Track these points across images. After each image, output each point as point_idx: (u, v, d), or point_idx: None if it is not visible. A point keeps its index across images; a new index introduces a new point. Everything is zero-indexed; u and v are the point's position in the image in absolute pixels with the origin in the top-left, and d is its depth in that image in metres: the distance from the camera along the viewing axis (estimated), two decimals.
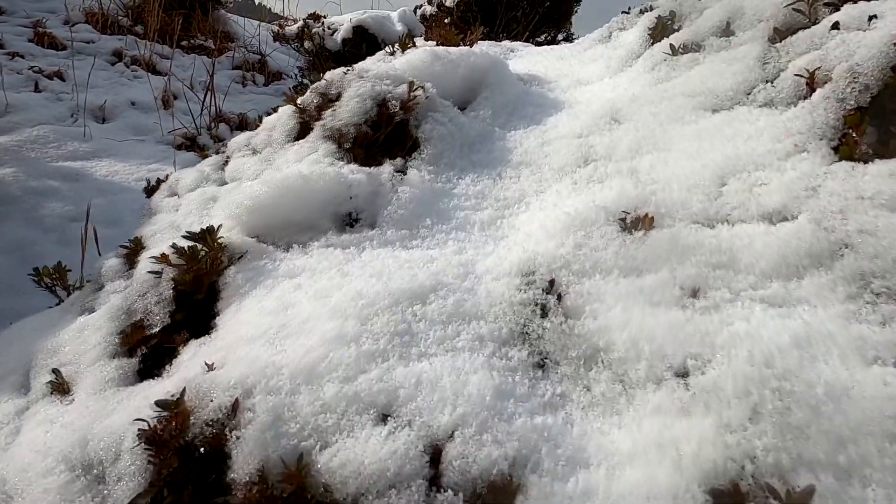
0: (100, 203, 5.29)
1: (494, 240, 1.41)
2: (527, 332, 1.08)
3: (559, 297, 1.11)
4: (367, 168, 1.54)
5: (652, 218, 1.23)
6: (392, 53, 2.13)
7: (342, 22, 7.09)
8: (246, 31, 8.91)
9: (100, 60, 7.25)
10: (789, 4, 1.64)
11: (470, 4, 10.17)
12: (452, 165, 1.68)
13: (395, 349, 1.03)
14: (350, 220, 1.48)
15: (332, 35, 7.06)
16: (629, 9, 2.37)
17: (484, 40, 3.12)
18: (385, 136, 1.67)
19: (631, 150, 1.49)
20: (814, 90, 1.32)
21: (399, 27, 7.38)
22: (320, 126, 1.66)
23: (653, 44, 2.01)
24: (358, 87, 1.65)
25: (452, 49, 1.91)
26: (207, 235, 1.32)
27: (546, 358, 1.05)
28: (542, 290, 1.14)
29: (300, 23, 7.19)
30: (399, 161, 1.61)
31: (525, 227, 1.40)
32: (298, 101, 1.84)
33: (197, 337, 1.24)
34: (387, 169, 1.54)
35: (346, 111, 1.62)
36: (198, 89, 7.30)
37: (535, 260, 1.22)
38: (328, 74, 1.81)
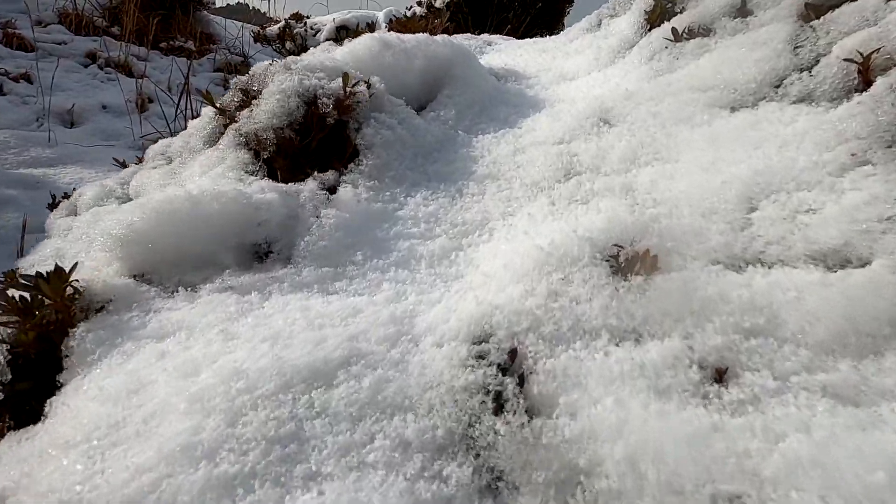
0: None
1: (445, 280, 1.04)
2: (473, 437, 0.71)
3: (521, 380, 0.75)
4: (286, 185, 1.17)
5: (655, 256, 0.87)
6: (339, 41, 1.76)
7: (325, 22, 6.72)
8: (228, 33, 8.52)
9: (71, 62, 6.86)
10: None
11: (460, 5, 9.81)
12: (401, 179, 1.31)
13: (269, 470, 0.66)
14: (260, 252, 1.12)
15: (314, 35, 6.69)
16: None
17: (460, 33, 2.76)
18: (317, 142, 1.31)
19: (625, 159, 1.13)
20: (870, 80, 0.96)
21: (384, 28, 7.01)
22: (234, 131, 1.30)
23: (650, 29, 1.65)
24: (281, 81, 1.29)
25: (407, 36, 1.54)
26: (52, 280, 0.95)
27: (499, 479, 0.68)
28: (499, 366, 0.78)
29: (281, 23, 6.82)
30: (331, 175, 1.24)
31: (485, 265, 1.03)
32: (219, 102, 1.47)
33: (23, 425, 0.88)
34: (309, 186, 1.17)
35: (264, 112, 1.25)
36: (175, 92, 6.91)
37: (493, 317, 0.85)
38: (255, 67, 1.44)
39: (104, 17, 7.72)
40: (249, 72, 1.44)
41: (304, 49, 6.81)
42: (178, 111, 6.64)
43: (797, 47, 1.14)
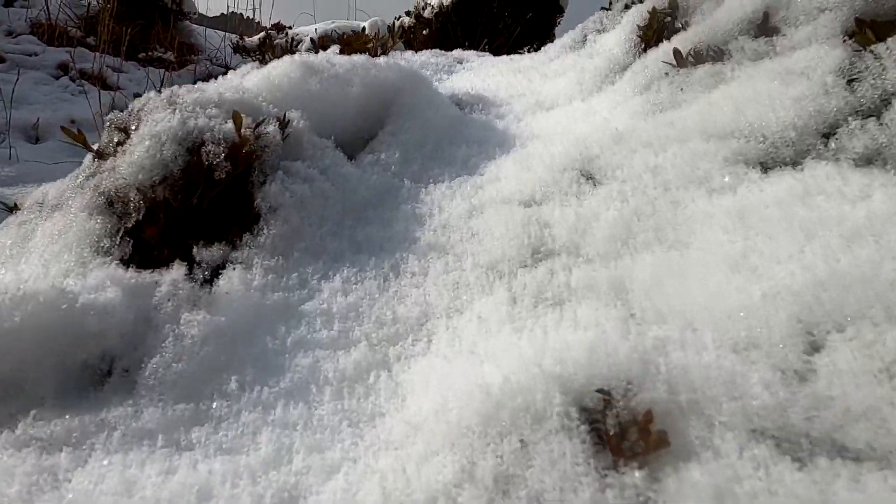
0: None
1: (356, 424, 0.70)
2: None
3: None
4: (142, 273, 0.82)
5: (663, 434, 0.53)
6: (263, 60, 1.42)
7: (307, 33, 6.38)
8: (210, 44, 8.16)
9: (42, 74, 6.48)
10: None
11: (449, 16, 9.51)
12: (317, 252, 0.96)
13: None
14: (96, 374, 0.77)
15: (296, 46, 6.34)
16: (610, 3, 1.67)
17: (432, 48, 2.42)
18: (208, 202, 0.96)
19: (615, 238, 0.79)
20: None
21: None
22: (92, 188, 0.95)
23: (645, 49, 1.31)
24: (155, 122, 0.94)
25: (341, 59, 1.20)
26: None
27: None
28: None
29: (261, 34, 6.47)
30: (217, 252, 0.89)
31: (414, 400, 0.69)
32: (96, 145, 1.12)
33: None
34: (173, 275, 0.82)
35: (129, 164, 0.90)
36: None
37: None
38: (137, 101, 1.10)
39: (80, 28, 7.35)
40: (130, 105, 1.10)
41: None
42: None
43: (852, 80, 0.80)
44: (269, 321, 0.82)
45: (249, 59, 6.84)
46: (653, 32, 1.28)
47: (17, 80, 5.86)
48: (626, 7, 1.58)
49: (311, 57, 1.16)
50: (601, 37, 1.55)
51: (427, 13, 9.78)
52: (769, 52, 0.98)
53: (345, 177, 1.07)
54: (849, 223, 0.63)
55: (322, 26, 6.49)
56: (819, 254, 0.61)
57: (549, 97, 1.43)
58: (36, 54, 6.87)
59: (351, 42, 1.41)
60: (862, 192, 0.66)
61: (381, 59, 1.24)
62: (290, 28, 6.70)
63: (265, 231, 0.92)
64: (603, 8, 1.67)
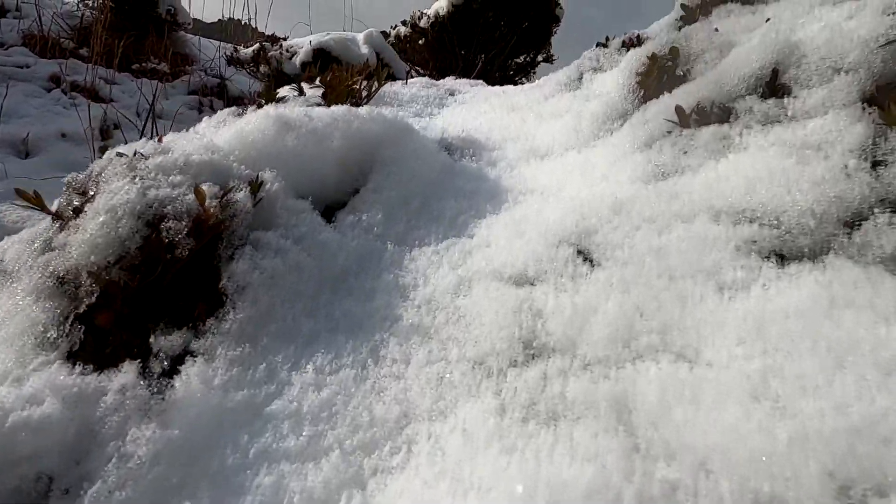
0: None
1: None
2: None
3: None
4: (88, 377, 0.73)
5: None
6: (260, 104, 1.33)
7: (302, 45, 6.28)
8: (205, 55, 8.08)
9: (34, 86, 6.37)
10: (892, 42, 0.86)
11: (445, 25, 9.45)
12: (290, 335, 0.87)
13: None
14: (31, 498, 0.68)
15: (290, 59, 6.25)
16: (607, 39, 1.59)
17: (424, 76, 2.35)
18: (171, 277, 0.87)
19: (615, 340, 0.70)
20: None
21: (365, 50, 6.60)
22: (42, 267, 0.86)
23: (645, 98, 1.23)
24: (112, 193, 0.85)
25: (319, 112, 1.11)
26: None
27: None
28: None
29: (256, 45, 6.38)
30: (178, 339, 0.80)
31: None
32: (55, 206, 1.03)
33: None
34: (121, 380, 0.72)
35: (80, 243, 0.81)
36: (144, 117, 6.46)
37: None
38: (97, 163, 1.00)
39: (73, 39, 7.26)
40: (90, 167, 1.00)
41: (280, 74, 6.38)
42: (143, 138, 6.16)
43: (877, 164, 0.72)
44: (230, 428, 0.73)
45: (244, 70, 6.74)
46: (653, 80, 1.20)
47: (7, 93, 5.75)
48: (624, 46, 1.50)
49: (288, 111, 1.07)
50: (598, 77, 1.46)
51: (423, 23, 9.71)
52: (780, 116, 0.90)
53: (322, 244, 0.98)
54: (884, 352, 0.54)
55: (317, 38, 6.40)
56: (852, 388, 0.53)
57: (543, 143, 1.34)
58: (27, 66, 6.77)
59: (334, 84, 1.32)
60: None
61: (364, 110, 1.15)
62: (284, 39, 6.61)
63: (231, 315, 0.83)
64: (599, 44, 1.59)
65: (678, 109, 1.00)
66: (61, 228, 0.98)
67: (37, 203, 1.02)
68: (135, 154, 0.97)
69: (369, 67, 1.93)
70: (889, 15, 0.91)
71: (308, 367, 0.82)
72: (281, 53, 6.34)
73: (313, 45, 6.36)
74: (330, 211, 1.12)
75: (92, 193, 0.94)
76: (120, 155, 0.98)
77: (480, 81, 2.13)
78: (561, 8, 9.85)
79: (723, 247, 0.74)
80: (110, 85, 6.74)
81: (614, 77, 1.35)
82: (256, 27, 13.08)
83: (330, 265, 0.98)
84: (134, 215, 0.84)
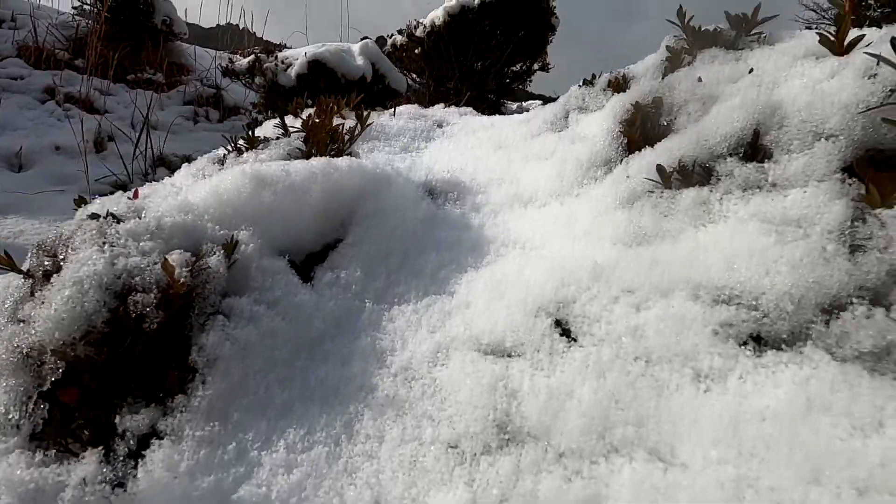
0: None
1: None
2: None
3: None
4: (51, 467, 0.70)
5: None
6: (241, 150, 1.30)
7: (297, 56, 6.26)
8: (201, 65, 8.05)
9: (28, 98, 6.33)
10: (875, 109, 0.85)
11: (441, 35, 9.45)
12: (261, 408, 0.85)
13: None
14: None
15: (285, 70, 6.22)
16: (593, 77, 1.57)
17: (408, 103, 2.33)
18: (140, 350, 0.84)
19: (589, 431, 0.67)
20: None
21: (360, 61, 6.59)
22: (6, 341, 0.83)
23: (628, 147, 1.21)
24: (79, 264, 0.82)
25: (297, 166, 1.08)
26: None
27: None
28: None
29: (251, 56, 6.36)
30: (146, 418, 0.78)
31: None
32: (26, 265, 1.00)
33: None
34: (81, 473, 0.70)
35: (45, 318, 0.78)
36: (139, 128, 6.43)
37: None
38: (67, 225, 0.97)
39: (68, 50, 7.23)
40: (60, 229, 0.98)
41: (276, 84, 6.36)
42: (137, 151, 6.14)
43: (855, 249, 0.70)
44: None
45: (239, 81, 6.72)
46: (636, 129, 1.18)
47: (0, 106, 5.71)
48: (609, 86, 1.48)
49: (265, 168, 1.05)
50: (583, 118, 1.45)
51: (419, 32, 9.71)
52: (761, 182, 0.88)
53: (298, 307, 0.96)
54: (860, 467, 0.52)
55: (312, 49, 6.39)
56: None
57: (528, 187, 1.32)
58: (22, 78, 6.74)
59: (316, 129, 1.30)
60: (873, 419, 0.55)
61: (345, 162, 1.13)
62: (279, 51, 6.58)
63: (200, 390, 0.81)
64: (585, 81, 1.57)
65: (660, 169, 0.98)
66: (31, 291, 0.95)
67: (8, 264, 1.00)
68: (107, 215, 0.95)
69: (355, 100, 1.91)
70: (869, 78, 0.89)
71: (279, 444, 0.80)
72: (276, 65, 6.32)
73: (308, 57, 6.35)
74: (309, 262, 1.10)
75: (61, 257, 0.92)
76: (93, 216, 0.95)
77: (469, 109, 2.11)
78: (556, 17, 9.86)
79: (700, 330, 0.72)
80: (105, 96, 6.71)
81: (599, 121, 1.33)
82: (255, 32, 13.07)
83: (306, 329, 0.95)
84: (101, 287, 0.82)
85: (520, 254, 1.09)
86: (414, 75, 10.60)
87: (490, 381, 0.79)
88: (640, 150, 1.11)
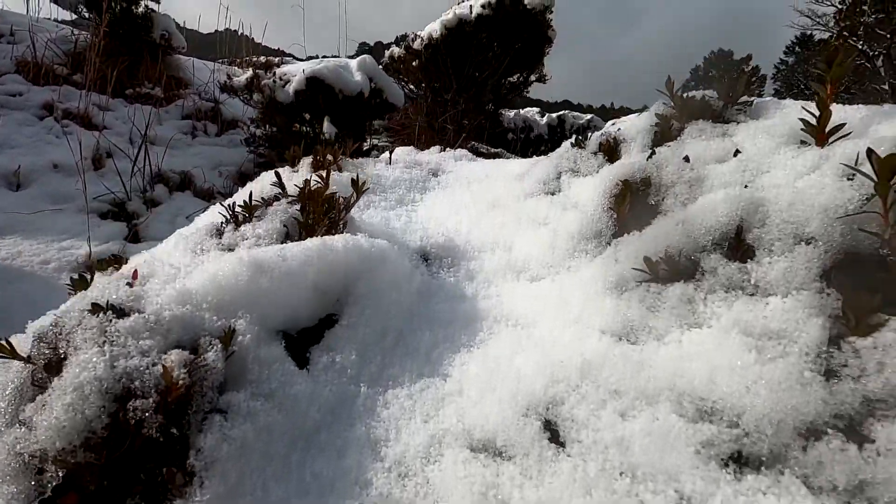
0: None
1: None
2: None
3: None
4: None
5: None
6: (235, 222, 1.32)
7: (295, 73, 6.28)
8: (198, 79, 8.06)
9: (26, 115, 6.33)
10: (853, 215, 0.87)
11: (438, 47, 9.48)
12: None
13: None
14: None
15: (283, 87, 6.24)
16: (585, 136, 1.60)
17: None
18: (136, 450, 0.86)
19: None
20: None
21: (358, 77, 6.62)
22: (8, 447, 0.85)
23: (618, 222, 1.23)
24: (81, 367, 0.84)
25: (293, 250, 1.10)
26: None
27: None
28: None
29: (249, 73, 6.37)
30: None
31: None
32: (29, 348, 1.01)
33: None
34: None
35: (47, 427, 0.80)
36: (138, 144, 6.43)
37: None
38: (68, 317, 0.99)
39: (66, 65, 7.22)
40: (56, 316, 0.99)
41: (274, 101, 6.37)
42: (136, 168, 6.13)
43: (831, 374, 0.72)
44: None
45: (237, 97, 6.73)
46: (625, 207, 1.21)
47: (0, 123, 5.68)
48: (601, 148, 1.51)
49: (261, 253, 1.06)
50: (574, 182, 1.47)
51: (417, 45, 9.74)
52: (744, 283, 0.90)
53: (294, 398, 0.97)
54: None
55: (310, 65, 6.41)
56: None
57: (520, 256, 1.34)
58: (21, 94, 6.74)
59: (313, 197, 1.32)
60: None
61: (340, 242, 1.15)
62: (277, 66, 6.60)
63: (198, 494, 0.83)
64: (577, 140, 1.59)
65: (647, 260, 1.00)
66: (32, 379, 0.96)
67: (9, 353, 1.01)
68: (108, 308, 0.97)
69: (351, 147, 1.93)
70: (848, 180, 0.92)
71: None
72: (274, 81, 6.34)
73: (307, 74, 6.37)
74: (305, 338, 1.12)
75: (62, 353, 0.93)
76: (95, 309, 0.97)
77: (464, 153, 2.14)
78: (553, 30, 9.90)
79: (683, 448, 0.74)
80: (104, 111, 6.70)
81: (590, 190, 1.36)
82: (253, 38, 13.05)
83: (302, 420, 0.97)
84: (102, 392, 0.83)
85: (512, 333, 1.11)
86: (412, 86, 10.62)
87: (481, 489, 0.81)
88: (628, 233, 1.14)
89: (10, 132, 5.77)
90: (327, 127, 6.21)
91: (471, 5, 8.95)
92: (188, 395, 0.88)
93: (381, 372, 1.08)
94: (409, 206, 1.72)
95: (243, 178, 6.65)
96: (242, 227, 1.25)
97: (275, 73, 6.41)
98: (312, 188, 1.38)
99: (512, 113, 16.74)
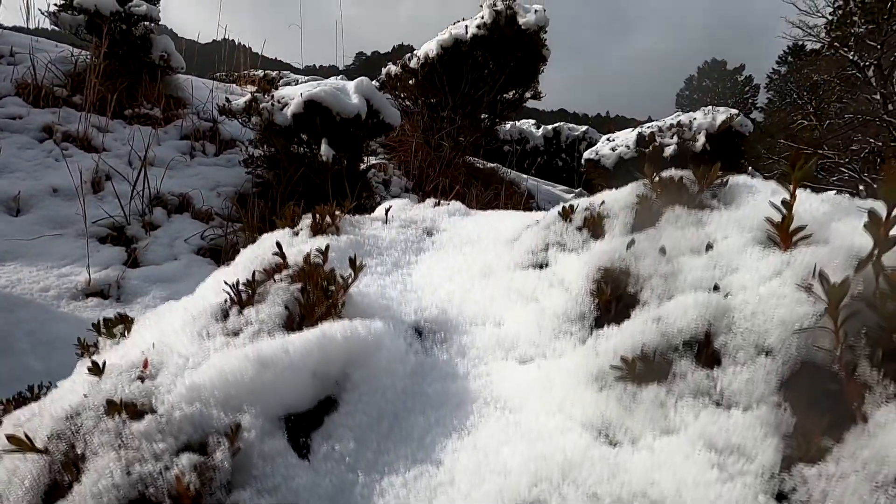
0: None
1: None
2: None
3: None
4: None
5: None
6: (240, 304, 1.40)
7: (293, 95, 6.38)
8: (197, 99, 8.13)
9: (26, 138, 6.38)
10: (808, 329, 0.96)
11: (434, 66, 9.60)
12: None
13: None
14: None
15: (281, 110, 6.33)
16: (572, 209, 1.68)
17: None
18: None
19: None
20: None
21: (355, 99, 6.72)
22: None
23: (599, 307, 1.32)
24: (100, 473, 0.91)
25: (295, 343, 1.18)
26: None
27: None
28: None
29: (247, 96, 6.46)
30: None
31: None
32: (45, 439, 1.08)
33: None
34: None
35: None
36: (137, 165, 6.48)
37: None
38: (86, 415, 1.06)
39: (66, 87, 7.29)
40: (71, 409, 1.06)
41: (272, 124, 6.44)
42: (135, 191, 6.19)
43: (782, 498, 0.80)
44: None
45: (236, 120, 6.80)
46: (606, 296, 1.29)
47: (0, 147, 5.72)
48: (585, 223, 1.59)
49: (265, 348, 1.14)
50: (561, 257, 1.56)
51: (413, 63, 9.85)
52: (710, 390, 0.99)
53: (296, 491, 1.05)
54: None
55: (308, 88, 6.50)
56: None
57: (510, 333, 1.42)
58: (21, 117, 6.79)
59: (312, 276, 1.39)
60: None
61: (339, 332, 1.22)
62: (276, 88, 6.69)
63: None
64: (564, 210, 1.68)
65: (624, 360, 1.08)
66: (49, 468, 1.03)
67: (29, 447, 1.08)
68: (122, 406, 1.04)
69: (349, 206, 2.01)
70: (803, 290, 1.00)
71: None
72: (272, 105, 6.43)
73: (304, 98, 6.46)
74: (306, 420, 1.19)
75: (80, 450, 1.00)
76: (110, 409, 1.04)
77: (458, 207, 2.22)
78: (547, 48, 10.05)
79: None
80: (103, 133, 6.75)
81: (574, 268, 1.44)
82: (250, 47, 13.11)
83: None
84: (118, 500, 0.91)
85: (500, 419, 1.18)
86: (408, 102, 10.71)
87: None
88: (608, 324, 1.22)
89: (11, 156, 5.81)
90: (325, 150, 6.29)
91: (466, 25, 9.10)
92: (198, 498, 0.96)
93: (377, 458, 1.15)
94: (405, 270, 1.80)
95: (241, 198, 6.72)
96: (246, 312, 1.33)
97: (272, 97, 6.50)
98: (312, 264, 1.46)
99: (508, 125, 16.88)
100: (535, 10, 8.76)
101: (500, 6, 8.63)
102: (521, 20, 8.47)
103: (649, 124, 11.18)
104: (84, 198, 5.38)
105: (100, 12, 6.95)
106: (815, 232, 1.17)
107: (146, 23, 7.43)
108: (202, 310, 1.38)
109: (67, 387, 1.42)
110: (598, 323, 1.29)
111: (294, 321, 1.36)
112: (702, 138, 10.59)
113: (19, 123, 6.27)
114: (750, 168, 15.63)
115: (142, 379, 1.13)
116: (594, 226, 1.55)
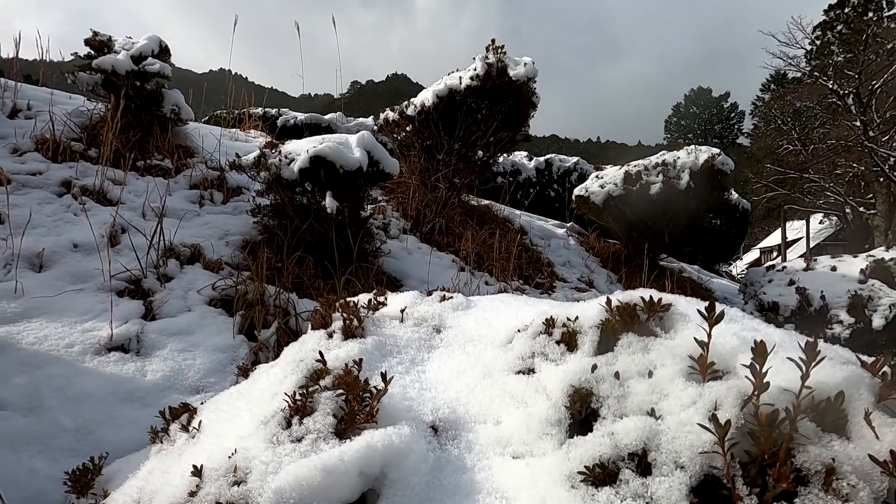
0: (20, 383, 4.77)
1: None
2: None
3: None
4: None
5: None
6: (301, 414, 1.84)
7: (299, 151, 6.90)
8: (205, 149, 8.64)
9: (46, 193, 6.81)
10: (709, 452, 1.43)
11: (430, 114, 10.24)
12: None
13: None
14: None
15: (288, 164, 6.85)
16: (552, 324, 2.16)
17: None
18: None
19: None
20: None
21: (357, 153, 7.25)
22: None
23: (572, 417, 1.79)
24: None
25: (347, 452, 1.63)
26: None
27: None
28: None
29: (256, 152, 6.97)
30: None
31: None
32: None
33: None
34: None
35: None
36: (150, 217, 6.92)
37: None
38: None
39: (82, 140, 7.75)
40: None
41: (280, 178, 6.94)
42: (151, 245, 6.61)
43: None
44: None
45: (245, 174, 7.29)
46: (576, 405, 1.76)
47: (22, 203, 6.14)
48: (563, 338, 2.07)
49: (327, 459, 1.59)
50: (544, 367, 2.03)
51: (410, 111, 10.50)
52: (644, 495, 1.45)
53: None
54: None
55: (313, 144, 7.02)
56: None
57: (505, 431, 1.88)
58: (40, 172, 7.21)
59: (351, 387, 1.85)
60: None
61: (380, 442, 1.67)
62: (283, 144, 7.20)
63: None
64: (546, 322, 2.16)
65: (587, 467, 1.55)
66: None
67: None
68: None
69: (375, 305, 2.46)
70: (709, 419, 1.48)
71: None
72: (280, 160, 6.94)
73: (311, 154, 7.00)
74: None
75: None
76: None
77: (460, 301, 2.69)
78: (537, 96, 10.75)
79: None
80: (118, 186, 7.19)
81: (553, 379, 1.91)
82: (247, 76, 13.62)
83: None
84: None
85: None
86: (405, 147, 11.31)
87: None
88: (579, 433, 1.69)
89: (34, 212, 6.23)
90: (329, 203, 6.79)
91: (460, 77, 9.74)
92: None
93: None
94: (420, 367, 2.26)
95: (250, 246, 7.14)
96: (305, 421, 1.78)
97: (280, 152, 7.01)
98: (349, 373, 1.92)
99: (501, 158, 17.54)
100: (525, 63, 9.44)
101: (491, 59, 9.31)
102: (511, 72, 9.16)
103: (635, 163, 11.84)
104: (104, 253, 5.80)
105: (116, 72, 7.47)
106: (727, 363, 1.66)
107: (158, 78, 7.94)
108: (269, 414, 1.83)
109: (157, 480, 1.84)
110: (572, 428, 1.75)
111: (340, 425, 1.81)
112: (685, 176, 11.27)
113: (39, 179, 6.71)
114: (737, 196, 16.41)
115: (237, 483, 1.57)
116: (569, 340, 2.04)
